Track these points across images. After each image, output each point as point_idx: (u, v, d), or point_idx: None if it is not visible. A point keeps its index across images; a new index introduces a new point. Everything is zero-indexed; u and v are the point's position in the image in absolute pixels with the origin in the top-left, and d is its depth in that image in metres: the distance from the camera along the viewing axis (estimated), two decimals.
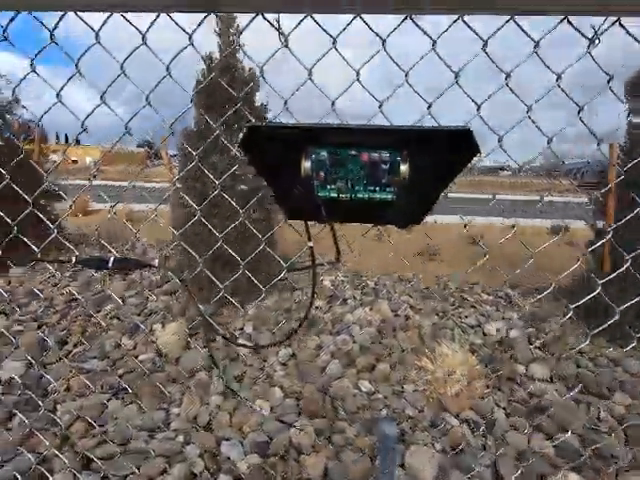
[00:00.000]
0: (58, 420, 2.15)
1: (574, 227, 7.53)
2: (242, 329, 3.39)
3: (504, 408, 2.41)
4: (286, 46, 0.69)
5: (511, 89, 0.68)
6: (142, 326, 3.35)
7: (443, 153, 0.47)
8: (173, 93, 0.98)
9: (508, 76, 0.69)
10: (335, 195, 0.53)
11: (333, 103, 0.64)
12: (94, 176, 2.30)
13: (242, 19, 4.06)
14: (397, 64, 0.68)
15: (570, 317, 3.36)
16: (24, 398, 2.34)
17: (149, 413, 2.23)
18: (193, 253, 1.43)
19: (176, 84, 0.90)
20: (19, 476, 1.73)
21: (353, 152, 0.50)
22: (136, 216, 9.02)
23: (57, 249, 5.22)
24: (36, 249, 1.03)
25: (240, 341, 3.07)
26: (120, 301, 3.83)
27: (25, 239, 1.12)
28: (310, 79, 0.70)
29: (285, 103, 0.79)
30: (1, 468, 1.81)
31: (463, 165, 0.50)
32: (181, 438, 2.05)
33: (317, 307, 3.97)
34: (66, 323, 3.37)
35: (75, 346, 2.99)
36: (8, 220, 1.10)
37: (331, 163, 0.51)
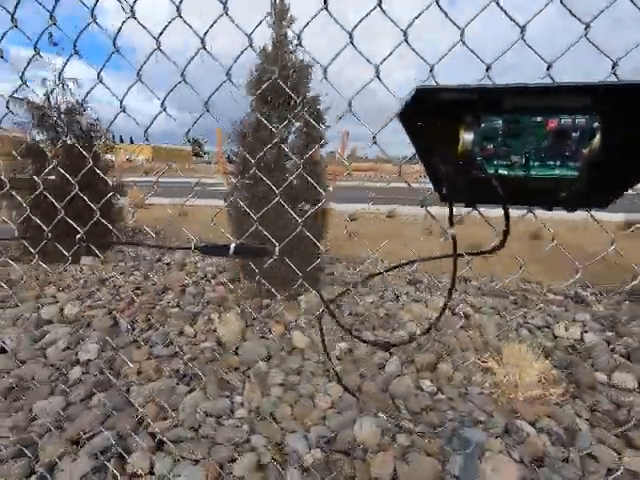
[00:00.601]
0: (133, 402, 2.27)
1: None
2: (296, 322, 3.40)
3: (587, 419, 2.19)
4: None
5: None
6: (201, 315, 3.48)
7: None
8: (220, 93, 0.93)
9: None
10: (505, 172, 0.45)
11: (489, 68, 0.55)
12: (146, 173, 2.38)
13: (295, 9, 4.02)
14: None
15: None
16: (100, 379, 2.50)
17: (214, 401, 2.28)
18: (273, 240, 1.40)
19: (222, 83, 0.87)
20: (99, 454, 1.85)
21: (538, 119, 0.41)
22: (186, 210, 9.42)
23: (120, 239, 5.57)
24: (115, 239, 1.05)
25: (298, 334, 3.07)
26: (179, 291, 4.01)
27: (111, 228, 1.16)
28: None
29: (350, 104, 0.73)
30: (83, 446, 1.94)
31: None
32: (246, 427, 2.07)
33: (370, 302, 3.89)
34: (132, 310, 3.57)
35: (142, 331, 3.15)
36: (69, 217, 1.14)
37: (506, 133, 0.43)
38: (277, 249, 0.85)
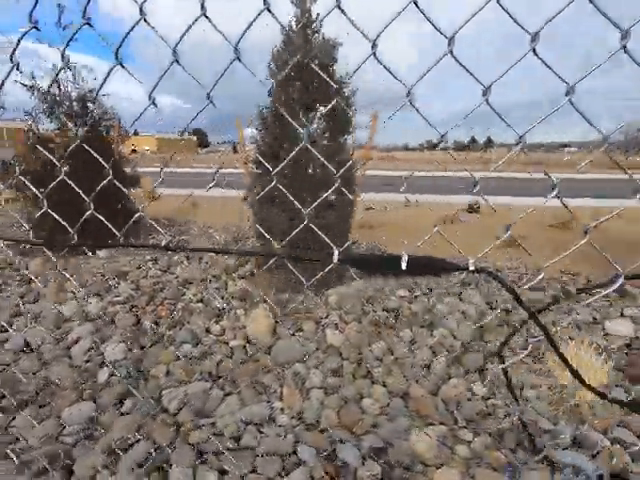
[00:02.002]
0: (166, 406, 2.13)
1: None
2: (327, 317, 3.23)
3: None
4: None
5: None
6: (226, 311, 3.32)
7: None
8: (232, 78, 0.74)
9: None
10: None
11: None
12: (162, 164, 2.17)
13: None
14: None
15: None
16: (129, 382, 2.36)
17: (252, 407, 2.13)
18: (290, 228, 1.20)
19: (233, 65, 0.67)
20: (138, 468, 1.70)
21: None
22: (197, 200, 9.25)
23: (136, 231, 5.43)
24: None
25: (332, 331, 2.90)
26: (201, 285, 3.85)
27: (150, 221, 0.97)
28: None
29: None
30: (119, 458, 1.79)
31: None
32: (291, 437, 1.91)
33: (400, 297, 3.70)
34: (154, 306, 3.42)
35: (168, 329, 3.00)
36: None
37: None
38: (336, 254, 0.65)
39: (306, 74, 3.67)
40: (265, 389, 2.33)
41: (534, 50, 0.55)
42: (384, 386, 2.32)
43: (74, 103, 4.89)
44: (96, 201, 0.92)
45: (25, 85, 4.38)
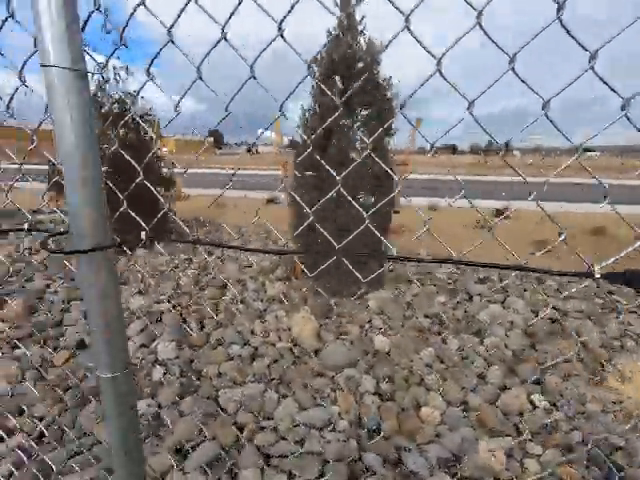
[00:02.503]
0: (224, 407, 2.14)
1: None
2: (370, 322, 3.20)
3: None
4: None
5: None
6: (268, 312, 3.33)
7: None
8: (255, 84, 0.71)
9: None
10: None
11: None
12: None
13: None
14: None
15: None
16: (183, 381, 2.38)
17: (310, 411, 2.12)
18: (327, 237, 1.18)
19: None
20: (208, 469, 1.71)
21: None
22: (221, 201, 9.34)
23: (168, 231, 5.52)
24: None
25: (378, 336, 2.87)
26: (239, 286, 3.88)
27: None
28: None
29: None
30: (187, 457, 1.81)
31: None
32: (354, 443, 1.89)
33: (442, 302, 3.65)
34: (197, 306, 3.46)
35: (213, 329, 3.03)
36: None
37: None
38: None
39: (348, 76, 3.67)
40: (318, 392, 2.32)
41: (513, 69, 0.53)
42: (440, 394, 2.28)
43: (115, 105, 5.01)
44: (133, 201, 0.92)
45: None
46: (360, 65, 3.76)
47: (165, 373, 2.46)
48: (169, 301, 3.52)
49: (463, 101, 0.56)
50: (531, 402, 2.23)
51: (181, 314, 3.27)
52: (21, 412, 2.07)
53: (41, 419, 2.03)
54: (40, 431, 1.92)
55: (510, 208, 8.32)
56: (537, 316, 3.38)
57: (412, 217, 8.13)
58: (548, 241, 5.52)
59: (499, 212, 8.36)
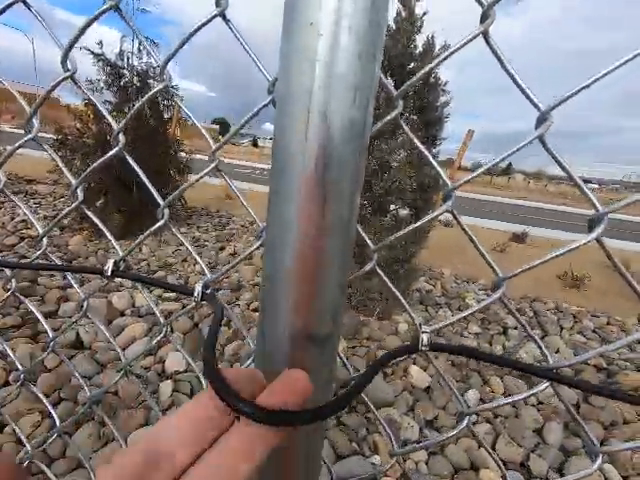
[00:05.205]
0: None
1: None
2: None
3: None
4: None
5: None
6: None
7: None
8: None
9: None
10: None
11: None
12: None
13: None
14: None
15: None
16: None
17: (347, 460, 1.79)
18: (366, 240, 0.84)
19: None
20: None
21: None
22: (232, 193, 8.97)
23: (176, 219, 5.15)
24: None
25: (413, 367, 2.55)
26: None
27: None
28: None
29: None
30: None
31: None
32: None
33: (472, 333, 3.34)
34: (207, 310, 3.10)
35: (228, 341, 2.68)
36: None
37: None
38: None
39: (400, 76, 3.36)
40: (351, 433, 1.99)
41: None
42: (494, 451, 1.96)
43: (135, 77, 4.63)
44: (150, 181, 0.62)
45: (92, 52, 4.13)
46: (412, 65, 3.45)
47: (174, 390, 2.11)
48: (178, 300, 3.16)
49: (467, 117, 0.26)
50: (603, 473, 1.92)
51: (192, 317, 2.91)
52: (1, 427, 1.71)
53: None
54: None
55: (527, 232, 8.08)
56: (585, 363, 3.08)
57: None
58: (568, 273, 5.23)
59: (515, 236, 8.12)
